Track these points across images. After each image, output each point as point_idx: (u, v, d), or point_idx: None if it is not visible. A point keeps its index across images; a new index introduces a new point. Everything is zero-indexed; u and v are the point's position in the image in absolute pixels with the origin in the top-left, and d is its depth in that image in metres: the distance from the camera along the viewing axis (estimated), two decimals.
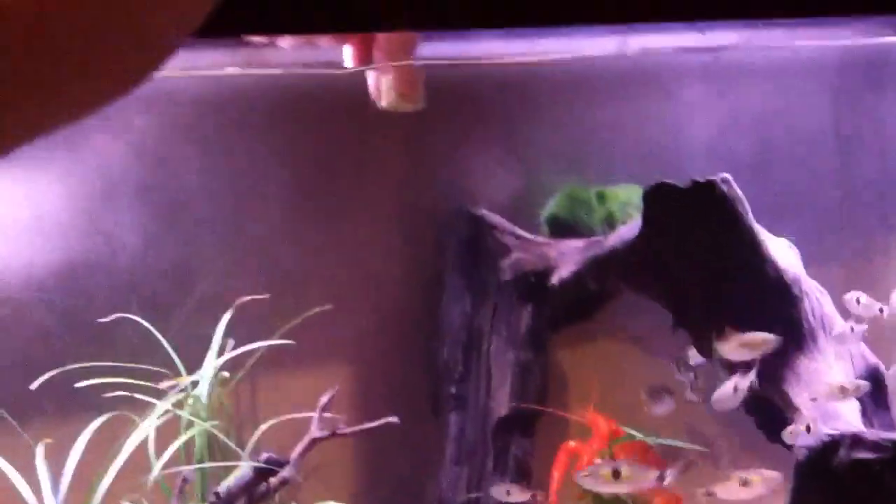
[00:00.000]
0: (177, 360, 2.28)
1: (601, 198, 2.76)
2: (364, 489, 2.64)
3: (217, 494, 1.97)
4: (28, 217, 2.37)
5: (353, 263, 2.66)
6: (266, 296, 2.41)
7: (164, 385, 2.13)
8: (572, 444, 2.59)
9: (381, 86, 1.84)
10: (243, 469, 2.02)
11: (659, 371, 2.89)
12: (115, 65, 0.58)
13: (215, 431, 2.16)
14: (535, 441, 2.59)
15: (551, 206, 2.78)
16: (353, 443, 2.62)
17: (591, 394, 2.58)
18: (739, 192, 2.47)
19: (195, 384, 2.24)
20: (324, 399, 2.25)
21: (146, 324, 2.33)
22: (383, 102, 1.90)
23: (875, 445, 2.45)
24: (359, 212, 2.67)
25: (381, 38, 1.38)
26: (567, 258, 2.64)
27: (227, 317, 2.35)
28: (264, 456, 1.99)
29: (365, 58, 1.70)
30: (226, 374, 2.25)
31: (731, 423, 2.78)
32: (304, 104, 2.54)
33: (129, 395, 2.12)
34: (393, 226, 2.71)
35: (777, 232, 2.69)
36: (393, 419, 2.23)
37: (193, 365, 2.34)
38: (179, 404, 2.23)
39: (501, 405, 2.56)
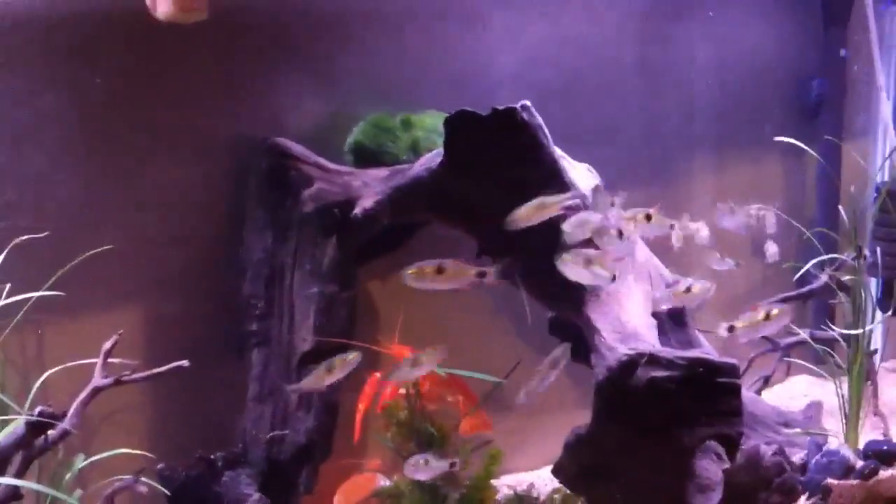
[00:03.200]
0: None
1: (406, 125, 2.69)
2: (163, 433, 2.54)
3: None
4: None
5: (146, 197, 2.51)
6: (45, 234, 2.26)
7: None
8: (378, 376, 2.57)
9: None
10: (15, 425, 1.89)
11: (466, 301, 2.89)
12: None
13: None
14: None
15: (356, 134, 2.69)
16: (150, 387, 2.51)
17: (397, 325, 2.55)
18: (540, 119, 2.45)
19: None
20: (107, 345, 2.13)
21: None
22: (159, 12, 1.74)
23: (670, 364, 2.54)
24: (150, 142, 2.51)
25: None
26: (371, 188, 2.57)
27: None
28: (38, 409, 1.86)
29: None
30: None
31: (538, 347, 2.82)
32: (80, 24, 2.35)
33: None
34: (188, 157, 2.56)
35: (582, 158, 2.71)
36: (183, 363, 2.13)
37: None
38: None
39: (305, 340, 2.50)
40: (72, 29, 2.34)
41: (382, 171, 2.61)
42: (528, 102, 2.43)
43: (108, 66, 2.42)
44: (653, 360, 2.52)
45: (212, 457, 2.40)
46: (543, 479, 2.80)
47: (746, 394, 3.06)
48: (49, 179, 2.39)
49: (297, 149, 2.60)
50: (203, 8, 1.95)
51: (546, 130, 2.47)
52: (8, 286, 2.22)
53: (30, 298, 2.18)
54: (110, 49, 2.41)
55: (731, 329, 2.50)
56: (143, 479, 2.18)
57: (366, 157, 2.67)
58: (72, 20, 2.32)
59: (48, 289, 2.19)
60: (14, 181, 2.35)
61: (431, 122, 2.70)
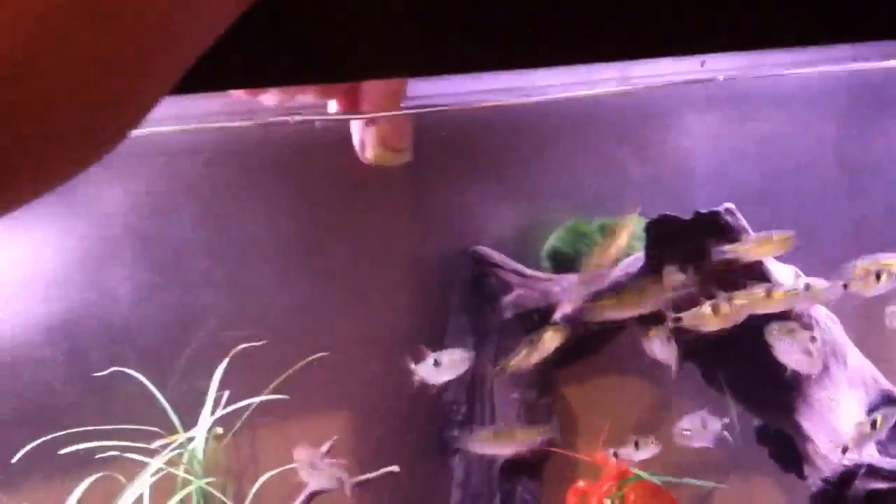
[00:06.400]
0: (172, 415, 2.24)
1: (603, 230, 2.71)
2: None
3: None
4: (24, 270, 2.33)
5: (354, 308, 2.61)
6: (263, 342, 2.37)
7: (155, 444, 2.08)
8: (581, 484, 2.52)
9: (365, 138, 1.78)
10: None
11: (669, 405, 2.83)
12: (90, 126, 0.54)
13: (210, 489, 2.10)
14: (544, 482, 2.52)
15: (553, 240, 2.73)
16: (357, 490, 2.56)
17: (600, 432, 2.52)
18: (744, 221, 2.43)
19: (191, 440, 2.18)
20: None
21: (142, 378, 2.28)
22: (368, 155, 1.83)
23: (891, 475, 2.39)
24: (357, 257, 2.62)
25: (367, 87, 1.33)
26: (570, 293, 2.58)
27: (222, 368, 2.30)
28: None
29: (351, 109, 1.64)
30: (219, 429, 2.20)
31: (744, 456, 2.72)
32: (297, 155, 2.50)
33: (120, 455, 2.07)
34: (393, 269, 2.66)
35: (785, 260, 2.64)
36: (393, 468, 2.17)
37: (191, 418, 2.30)
38: (174, 462, 2.17)
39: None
40: (292, 162, 2.49)
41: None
42: (731, 205, 2.41)
43: (320, 193, 2.57)
44: (872, 470, 2.39)
45: None
46: None
47: None
48: (266, 293, 2.52)
49: (497, 256, 2.66)
50: (408, 150, 2.05)
51: (751, 233, 2.43)
52: (227, 393, 2.33)
53: (251, 405, 2.28)
54: (324, 179, 2.55)
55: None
56: None
57: (563, 262, 2.69)
58: (291, 154, 2.48)
59: (270, 394, 2.28)
60: (234, 295, 2.50)
61: None
